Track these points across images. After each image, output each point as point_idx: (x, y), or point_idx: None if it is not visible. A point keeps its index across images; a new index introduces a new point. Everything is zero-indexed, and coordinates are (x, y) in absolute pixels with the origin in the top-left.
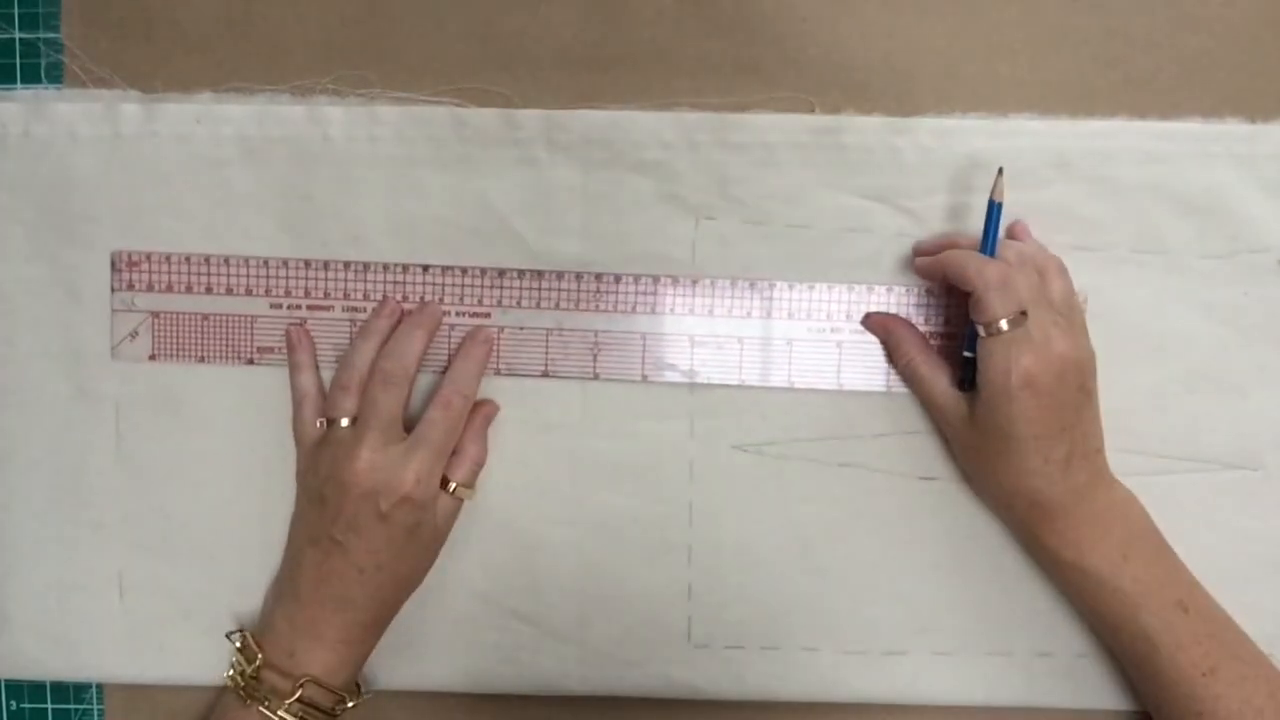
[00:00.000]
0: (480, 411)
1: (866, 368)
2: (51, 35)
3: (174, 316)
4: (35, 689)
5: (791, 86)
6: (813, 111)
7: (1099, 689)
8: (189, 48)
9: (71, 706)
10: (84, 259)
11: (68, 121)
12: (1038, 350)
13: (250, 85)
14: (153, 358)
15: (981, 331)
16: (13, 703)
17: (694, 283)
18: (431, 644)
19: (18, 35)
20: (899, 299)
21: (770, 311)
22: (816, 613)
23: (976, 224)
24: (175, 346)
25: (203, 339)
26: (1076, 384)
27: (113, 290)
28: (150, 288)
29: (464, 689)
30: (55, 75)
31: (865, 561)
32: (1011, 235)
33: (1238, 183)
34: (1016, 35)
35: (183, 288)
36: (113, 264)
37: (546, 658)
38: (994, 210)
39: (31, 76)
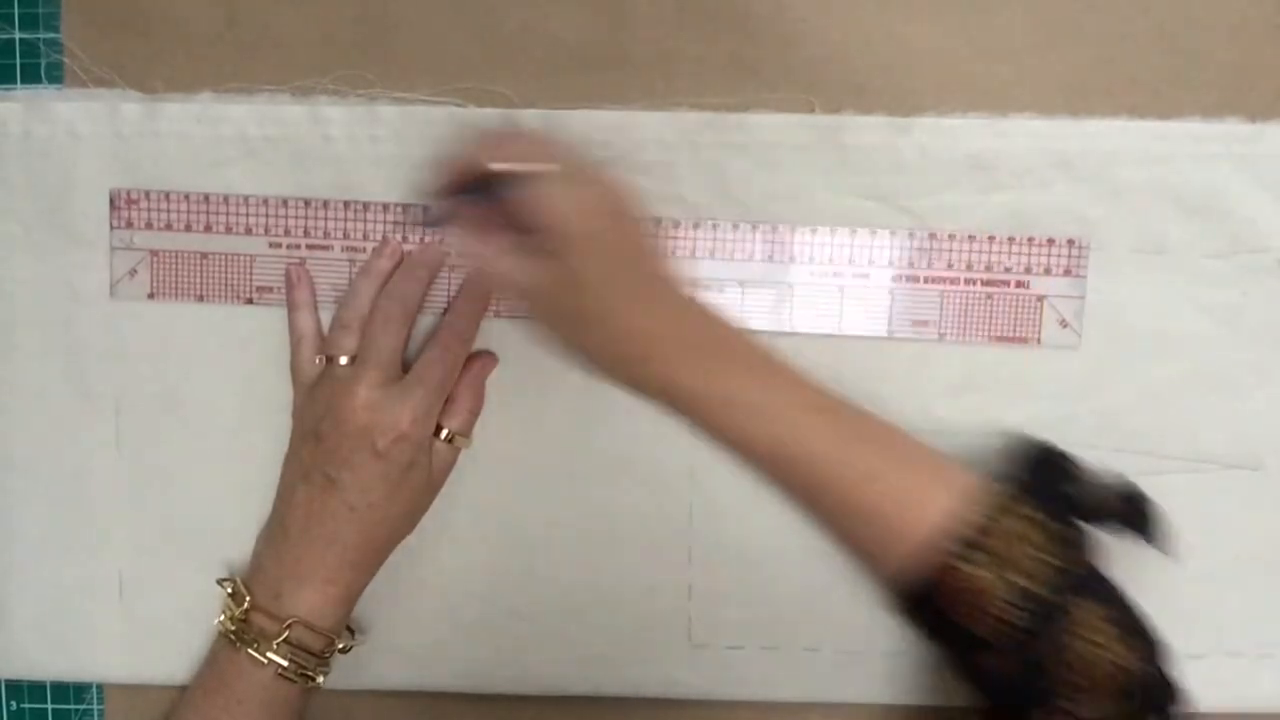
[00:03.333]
0: (476, 363)
1: (868, 312)
2: (51, 35)
3: (173, 255)
4: (35, 689)
5: (791, 86)
6: (813, 111)
7: None
8: (189, 48)
9: (71, 706)
10: (84, 258)
11: (68, 121)
12: (581, 186)
13: (250, 85)
14: (151, 296)
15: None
16: (13, 703)
17: (695, 225)
18: (431, 644)
19: (18, 35)
20: (901, 242)
21: (772, 255)
22: (816, 613)
23: (977, 224)
24: (174, 285)
25: (202, 277)
26: (622, 212)
27: (111, 228)
28: (149, 225)
29: (464, 689)
30: (55, 75)
31: None
32: None
33: (1238, 183)
34: (1016, 35)
35: (182, 226)
36: (111, 201)
37: (546, 658)
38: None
39: (31, 76)
